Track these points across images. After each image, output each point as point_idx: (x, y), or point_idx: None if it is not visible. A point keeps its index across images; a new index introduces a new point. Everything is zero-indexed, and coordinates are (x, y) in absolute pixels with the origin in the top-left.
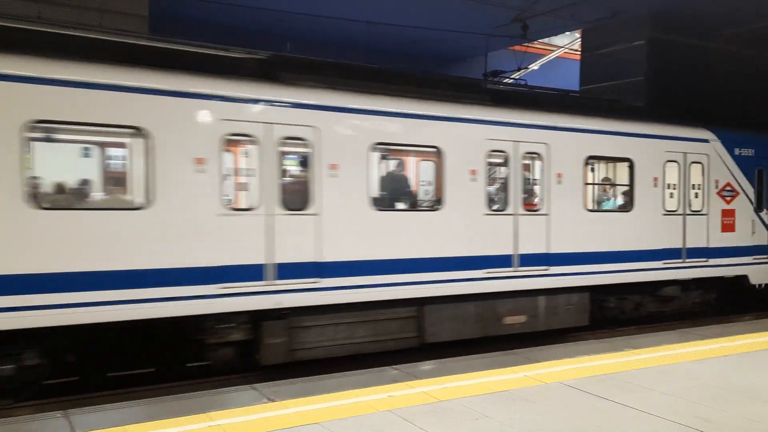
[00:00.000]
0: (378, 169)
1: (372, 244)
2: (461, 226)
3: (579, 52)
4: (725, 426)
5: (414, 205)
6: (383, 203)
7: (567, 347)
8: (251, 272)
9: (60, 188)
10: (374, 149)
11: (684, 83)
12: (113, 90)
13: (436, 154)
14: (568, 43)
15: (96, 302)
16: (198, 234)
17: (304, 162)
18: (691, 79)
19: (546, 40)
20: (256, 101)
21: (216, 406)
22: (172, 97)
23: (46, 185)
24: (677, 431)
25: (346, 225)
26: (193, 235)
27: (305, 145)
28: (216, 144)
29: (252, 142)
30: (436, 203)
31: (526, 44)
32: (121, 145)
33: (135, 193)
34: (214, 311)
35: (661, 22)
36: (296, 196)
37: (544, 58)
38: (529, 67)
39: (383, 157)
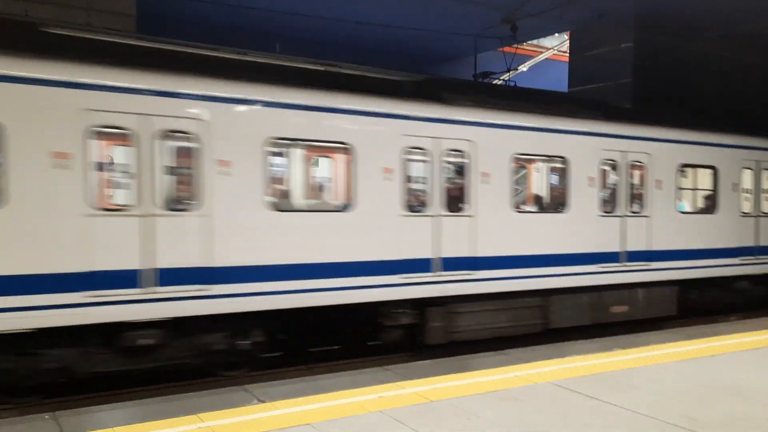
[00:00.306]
0: (518, 176)
1: (512, 241)
2: (581, 226)
3: (567, 54)
4: (712, 424)
5: (543, 208)
6: (523, 205)
7: (557, 347)
8: (423, 265)
9: (284, 193)
10: (514, 159)
11: (671, 85)
12: (327, 111)
13: (562, 163)
14: (556, 44)
15: (312, 289)
16: (386, 232)
17: (461, 170)
18: (679, 80)
19: (535, 41)
20: (428, 119)
21: (206, 407)
22: (369, 117)
23: (278, 191)
24: (665, 430)
25: (493, 225)
26: (382, 233)
27: (462, 156)
28: (398, 156)
29: (424, 154)
30: (561, 206)
31: (515, 45)
32: (331, 158)
33: (339, 197)
34: (396, 298)
35: (648, 24)
36: (455, 200)
37: (533, 60)
38: (519, 68)
39: (520, 166)
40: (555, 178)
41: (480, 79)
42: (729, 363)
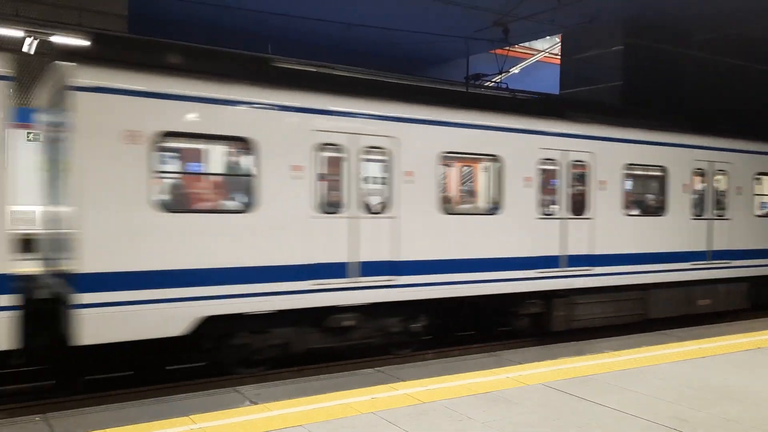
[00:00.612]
0: (629, 183)
1: (622, 241)
2: (676, 228)
3: (558, 57)
4: (702, 426)
5: (646, 212)
6: (631, 209)
7: (549, 349)
8: (553, 261)
9: (450, 199)
10: (625, 169)
11: (661, 87)
12: (484, 129)
13: (662, 171)
14: (548, 47)
15: (468, 281)
16: (525, 232)
17: (581, 179)
18: (669, 83)
19: (527, 44)
20: (558, 134)
21: (198, 408)
22: (515, 133)
23: (446, 196)
24: (656, 431)
25: (608, 226)
26: (522, 233)
27: (583, 167)
28: (535, 166)
29: (554, 165)
30: (660, 210)
31: (506, 48)
32: (484, 168)
33: (490, 202)
34: (532, 289)
35: (638, 28)
36: (578, 205)
37: (525, 62)
38: (510, 70)
39: (631, 175)
40: (656, 185)
41: (472, 81)
42: (720, 365)
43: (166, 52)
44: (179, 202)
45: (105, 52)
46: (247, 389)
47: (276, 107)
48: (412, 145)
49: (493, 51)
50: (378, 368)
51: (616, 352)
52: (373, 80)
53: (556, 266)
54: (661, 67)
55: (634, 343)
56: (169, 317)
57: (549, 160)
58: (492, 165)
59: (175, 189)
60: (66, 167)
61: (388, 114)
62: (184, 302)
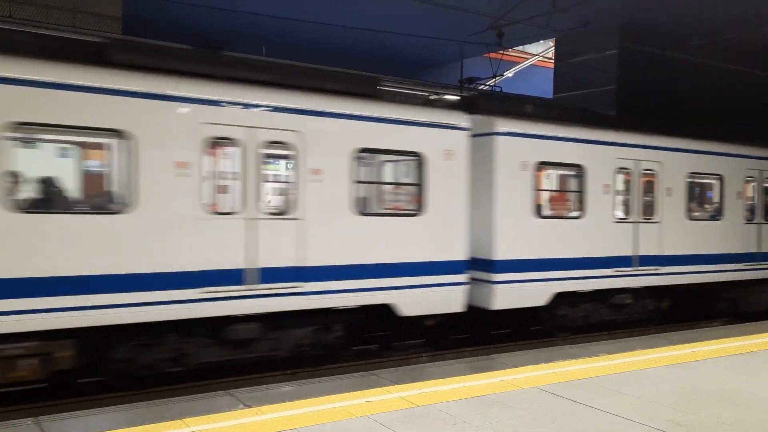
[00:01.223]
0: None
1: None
2: None
3: (552, 61)
4: (697, 429)
5: None
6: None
7: (544, 352)
8: (751, 257)
9: (719, 210)
10: (746, 180)
11: (655, 92)
12: (711, 155)
13: None
14: (542, 51)
15: (693, 272)
16: (736, 234)
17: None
18: (662, 88)
19: (520, 48)
20: (758, 157)
21: (192, 412)
22: (731, 158)
23: (720, 208)
24: None
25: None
26: (737, 234)
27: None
28: (743, 183)
29: (754, 182)
30: None
31: (501, 52)
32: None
33: (713, 210)
34: (740, 279)
35: (632, 33)
36: (751, 212)
37: (519, 66)
38: (504, 74)
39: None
40: None
41: (466, 85)
42: (714, 368)
43: (526, 104)
44: (545, 210)
45: (508, 108)
46: (241, 392)
47: (594, 142)
48: (671, 167)
49: (487, 55)
50: (372, 371)
51: (611, 356)
52: (646, 119)
53: (753, 261)
54: (656, 71)
55: (628, 347)
56: (540, 292)
57: (751, 178)
58: (716, 182)
59: (543, 201)
60: (484, 186)
61: (658, 145)
62: (548, 282)
